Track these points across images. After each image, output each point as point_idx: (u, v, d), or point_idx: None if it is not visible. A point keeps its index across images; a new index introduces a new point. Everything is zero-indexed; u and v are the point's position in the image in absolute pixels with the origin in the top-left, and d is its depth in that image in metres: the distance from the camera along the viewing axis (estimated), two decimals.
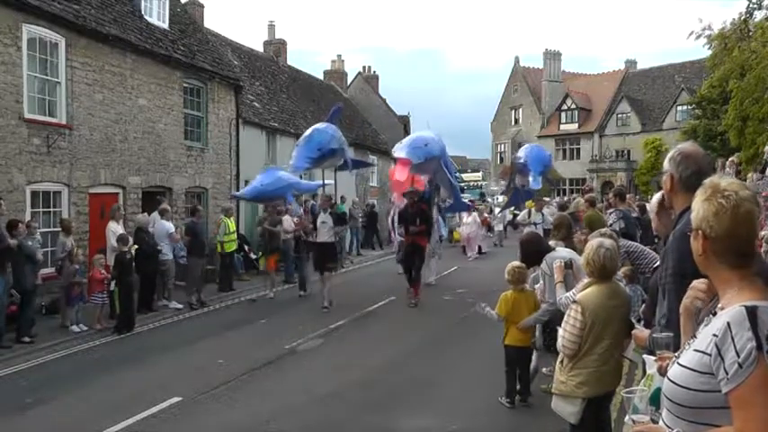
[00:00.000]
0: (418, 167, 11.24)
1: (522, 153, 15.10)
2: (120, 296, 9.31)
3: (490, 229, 23.89)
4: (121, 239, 9.60)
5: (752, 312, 1.50)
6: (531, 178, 14.37)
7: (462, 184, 45.44)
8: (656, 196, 3.92)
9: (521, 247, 5.69)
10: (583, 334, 3.54)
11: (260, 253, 13.22)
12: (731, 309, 1.56)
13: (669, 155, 2.79)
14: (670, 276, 2.67)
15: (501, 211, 21.45)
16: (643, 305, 3.99)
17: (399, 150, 11.09)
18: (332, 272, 11.36)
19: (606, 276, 3.70)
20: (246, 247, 15.47)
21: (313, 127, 11.86)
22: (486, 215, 24.74)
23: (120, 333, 9.14)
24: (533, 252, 5.47)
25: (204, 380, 6.74)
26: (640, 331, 3.00)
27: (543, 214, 12.54)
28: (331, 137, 10.99)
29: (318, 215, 11.57)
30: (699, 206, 1.66)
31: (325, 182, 12.98)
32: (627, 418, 2.02)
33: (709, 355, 1.54)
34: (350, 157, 11.92)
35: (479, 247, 19.50)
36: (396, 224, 13.70)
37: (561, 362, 3.71)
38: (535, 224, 12.21)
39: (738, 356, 1.47)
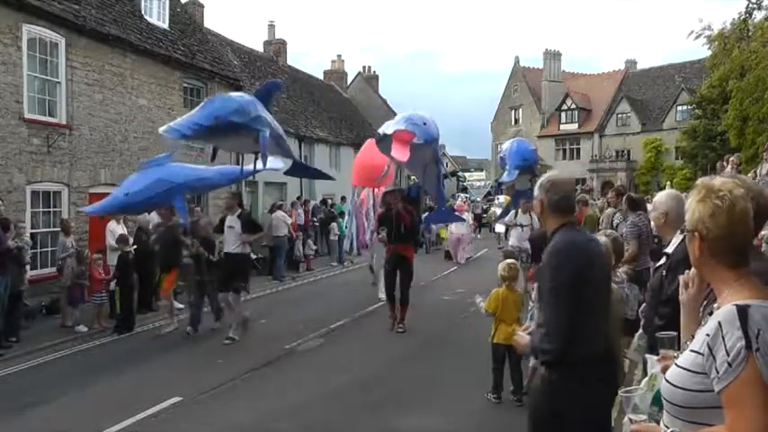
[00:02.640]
0: (411, 154, 8.75)
1: (504, 147, 13.57)
2: (120, 296, 9.32)
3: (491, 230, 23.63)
4: (122, 240, 9.62)
5: (743, 311, 1.51)
6: (506, 172, 12.99)
7: (466, 183, 45.28)
8: (660, 194, 3.96)
9: (530, 241, 5.78)
10: None
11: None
12: (724, 308, 1.57)
13: (539, 182, 3.18)
14: (547, 291, 2.94)
15: (499, 218, 20.57)
16: (643, 305, 3.99)
17: (394, 125, 8.58)
18: (240, 292, 8.84)
19: None
20: None
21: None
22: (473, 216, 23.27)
23: (120, 333, 9.15)
24: (542, 248, 5.51)
25: (204, 380, 6.73)
26: (521, 337, 3.07)
27: (531, 216, 11.26)
28: (239, 107, 7.76)
29: (226, 218, 8.94)
30: (694, 207, 1.66)
31: (258, 167, 8.91)
32: (625, 418, 2.03)
33: (702, 354, 1.54)
34: (265, 147, 8.25)
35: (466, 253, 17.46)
36: (358, 228, 11.83)
37: None
38: (522, 226, 11.24)
39: (728, 355, 1.48)
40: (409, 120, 8.68)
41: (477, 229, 24.19)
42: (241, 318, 8.79)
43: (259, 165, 8.76)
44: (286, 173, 10.54)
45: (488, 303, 5.79)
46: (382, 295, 10.73)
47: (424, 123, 8.79)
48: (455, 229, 16.81)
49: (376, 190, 12.08)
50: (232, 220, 8.74)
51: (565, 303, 2.90)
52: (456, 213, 16.25)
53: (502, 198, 26.70)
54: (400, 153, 8.29)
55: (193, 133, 7.69)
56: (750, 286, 1.61)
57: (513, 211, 12.26)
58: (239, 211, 8.86)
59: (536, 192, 3.22)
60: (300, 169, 11.19)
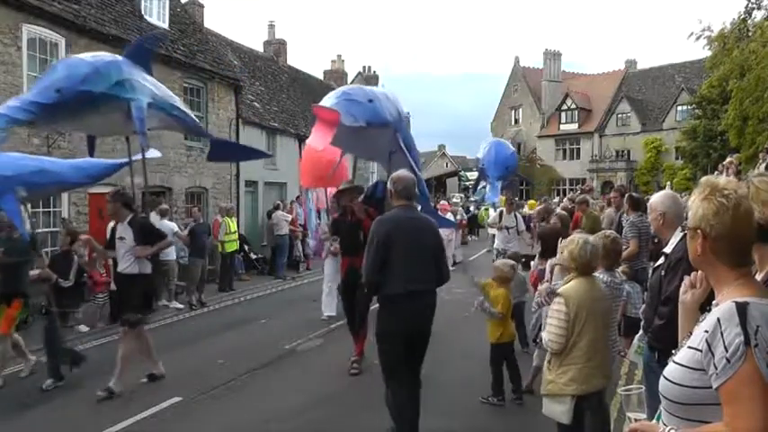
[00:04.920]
0: (349, 139, 6.52)
1: (481, 154, 12.51)
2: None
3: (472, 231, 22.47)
4: None
5: (742, 308, 1.51)
6: (488, 188, 12.22)
7: (468, 183, 44.95)
8: (656, 195, 3.97)
9: (541, 237, 5.82)
10: (568, 326, 3.55)
11: None
12: (722, 305, 1.57)
13: (390, 177, 4.72)
14: (367, 245, 4.52)
15: (476, 200, 19.26)
16: (642, 306, 3.99)
17: (325, 101, 6.56)
18: (135, 326, 6.46)
19: (590, 272, 3.78)
20: (246, 247, 15.54)
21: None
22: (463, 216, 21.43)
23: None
24: (554, 243, 5.50)
25: (204, 380, 6.74)
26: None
27: (516, 217, 11.00)
28: (93, 71, 5.71)
29: (116, 226, 6.57)
30: (697, 205, 1.65)
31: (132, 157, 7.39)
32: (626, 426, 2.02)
33: (701, 351, 1.54)
34: (143, 122, 6.33)
35: (453, 257, 16.04)
36: (311, 234, 10.10)
37: (549, 362, 3.70)
38: (507, 228, 10.62)
39: (727, 351, 1.48)
40: (345, 95, 6.55)
41: (467, 231, 22.97)
42: (153, 364, 6.81)
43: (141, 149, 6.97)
44: (209, 158, 8.34)
45: (503, 306, 5.77)
46: (329, 312, 9.67)
47: (370, 101, 6.59)
48: (441, 232, 15.55)
49: (329, 190, 9.54)
50: (122, 230, 6.40)
51: (372, 254, 4.40)
52: (446, 217, 13.95)
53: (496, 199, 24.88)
54: (318, 139, 6.11)
55: (28, 116, 5.71)
56: (749, 285, 1.61)
57: (497, 213, 11.87)
58: (130, 215, 6.44)
59: (389, 183, 4.66)
60: (225, 150, 8.58)
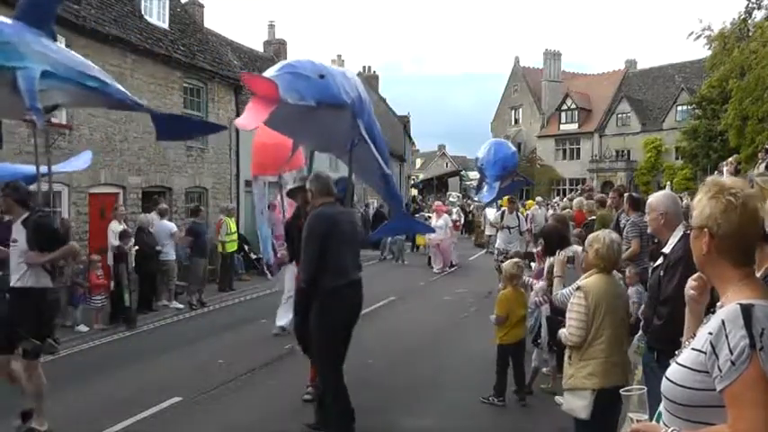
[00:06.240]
0: (296, 122, 5.33)
1: (480, 154, 12.50)
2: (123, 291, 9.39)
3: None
4: (125, 235, 9.76)
5: (747, 310, 1.51)
6: (485, 187, 12.21)
7: (468, 183, 44.82)
8: (655, 196, 3.97)
9: (543, 236, 5.82)
10: (588, 319, 3.55)
11: None
12: (727, 307, 1.56)
13: (311, 176, 5.08)
14: (303, 241, 4.67)
15: (483, 209, 19.20)
16: (642, 306, 4.00)
17: (266, 73, 5.34)
18: (34, 357, 5.07)
19: (613, 269, 3.82)
20: (246, 247, 15.53)
21: None
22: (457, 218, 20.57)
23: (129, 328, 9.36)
24: (555, 242, 5.50)
25: (204, 380, 6.73)
26: None
27: (518, 217, 11.29)
28: None
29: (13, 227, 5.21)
30: (704, 204, 1.65)
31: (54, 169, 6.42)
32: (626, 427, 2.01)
33: (705, 353, 1.54)
34: (34, 96, 4.81)
35: (450, 260, 16.32)
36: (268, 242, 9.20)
37: (569, 357, 3.70)
38: (509, 228, 10.85)
39: (732, 354, 1.48)
40: (290, 67, 5.27)
41: (462, 230, 22.69)
42: (38, 406, 5.23)
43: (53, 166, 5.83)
44: (158, 138, 6.89)
45: (499, 308, 5.77)
46: (281, 323, 8.60)
47: (321, 76, 5.25)
48: (436, 235, 14.33)
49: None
50: (16, 231, 5.15)
51: (311, 250, 4.56)
52: (425, 223, 14.13)
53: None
54: (249, 117, 4.92)
55: None
56: (754, 286, 1.61)
57: (499, 213, 12.00)
58: (25, 214, 5.16)
59: (307, 183, 4.91)
60: (173, 125, 7.08)
